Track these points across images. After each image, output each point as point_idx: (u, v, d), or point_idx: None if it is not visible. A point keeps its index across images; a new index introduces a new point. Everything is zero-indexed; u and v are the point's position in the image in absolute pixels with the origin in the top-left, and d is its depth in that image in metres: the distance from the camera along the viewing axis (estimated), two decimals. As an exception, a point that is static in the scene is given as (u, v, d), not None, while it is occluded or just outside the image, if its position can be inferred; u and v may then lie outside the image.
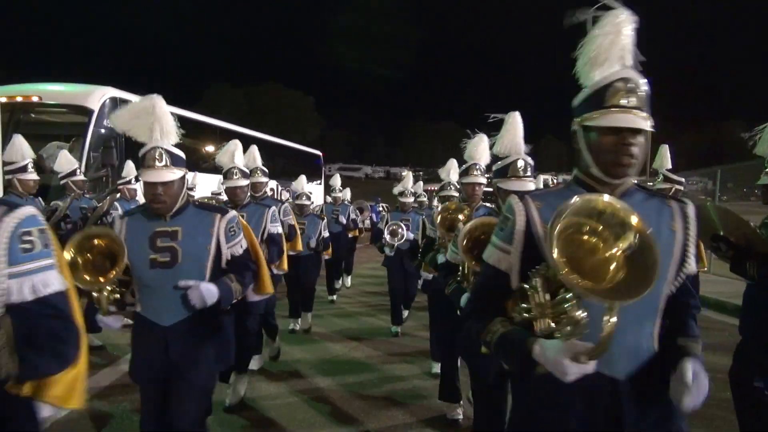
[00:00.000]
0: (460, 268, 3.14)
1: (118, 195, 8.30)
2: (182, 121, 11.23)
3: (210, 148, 13.26)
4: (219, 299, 2.53)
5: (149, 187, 2.52)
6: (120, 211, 8.48)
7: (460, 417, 4.15)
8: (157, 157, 2.50)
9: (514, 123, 3.17)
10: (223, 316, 2.73)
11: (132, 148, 9.53)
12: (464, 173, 3.98)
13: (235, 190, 4.30)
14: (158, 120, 2.60)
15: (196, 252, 2.60)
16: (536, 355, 1.42)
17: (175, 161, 2.55)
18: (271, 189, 14.63)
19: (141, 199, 9.51)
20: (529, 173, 3.06)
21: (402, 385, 4.97)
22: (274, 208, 4.47)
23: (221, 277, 2.65)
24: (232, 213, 2.75)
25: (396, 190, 7.57)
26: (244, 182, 4.34)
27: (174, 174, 2.52)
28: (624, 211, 1.41)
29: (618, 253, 1.40)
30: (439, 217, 3.70)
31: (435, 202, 23.00)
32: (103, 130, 8.82)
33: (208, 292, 2.49)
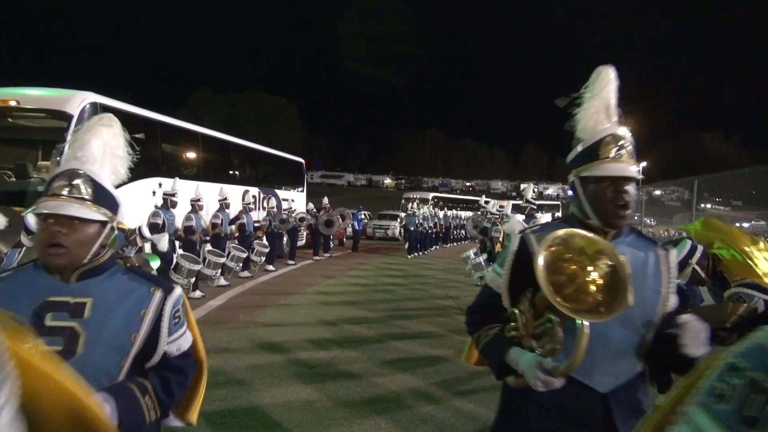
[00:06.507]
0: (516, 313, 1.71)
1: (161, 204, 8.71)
2: (164, 127, 11.19)
3: (191, 155, 13.16)
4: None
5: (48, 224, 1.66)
6: (162, 219, 8.45)
7: None
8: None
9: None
10: None
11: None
12: (588, 156, 1.79)
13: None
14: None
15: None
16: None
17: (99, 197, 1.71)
18: (254, 196, 14.56)
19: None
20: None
21: (386, 393, 4.95)
22: None
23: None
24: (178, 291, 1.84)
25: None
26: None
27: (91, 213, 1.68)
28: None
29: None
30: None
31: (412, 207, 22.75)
32: (82, 136, 8.71)
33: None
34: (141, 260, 7.23)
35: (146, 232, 7.23)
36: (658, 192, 19.48)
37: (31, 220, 5.22)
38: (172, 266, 8.73)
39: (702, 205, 13.03)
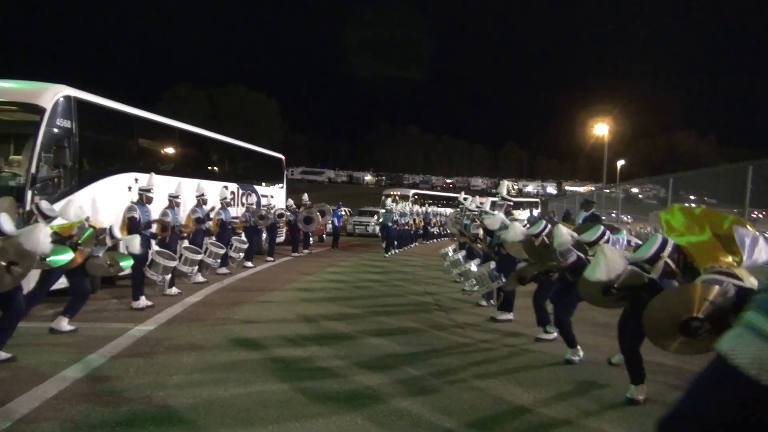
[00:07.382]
0: None
1: (136, 199, 8.57)
2: (141, 122, 11.03)
3: (170, 150, 12.99)
4: None
5: None
6: (138, 215, 8.34)
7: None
8: None
9: None
10: None
11: (86, 149, 9.30)
12: None
13: None
14: None
15: None
16: None
17: None
18: (232, 192, 14.43)
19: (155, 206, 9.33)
20: None
21: (362, 389, 4.94)
22: None
23: None
24: None
25: None
26: None
27: None
28: None
29: None
30: None
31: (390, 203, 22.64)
32: (55, 130, 8.53)
33: None
34: (111, 258, 7.09)
35: (117, 233, 7.05)
36: (635, 189, 19.81)
37: (2, 220, 5.17)
38: (147, 263, 8.61)
39: (677, 204, 13.25)
